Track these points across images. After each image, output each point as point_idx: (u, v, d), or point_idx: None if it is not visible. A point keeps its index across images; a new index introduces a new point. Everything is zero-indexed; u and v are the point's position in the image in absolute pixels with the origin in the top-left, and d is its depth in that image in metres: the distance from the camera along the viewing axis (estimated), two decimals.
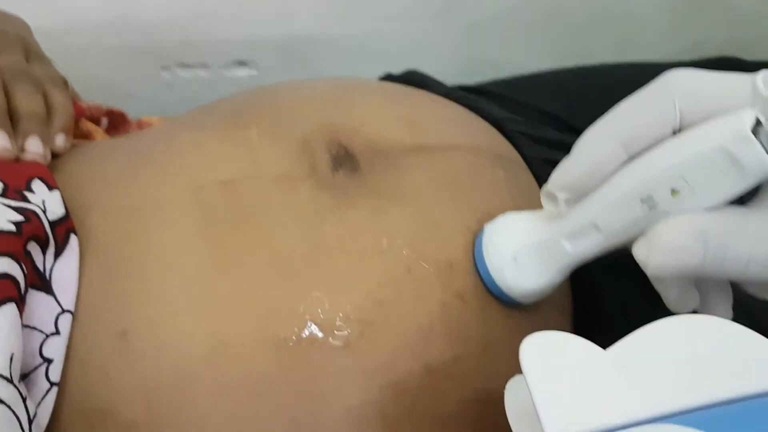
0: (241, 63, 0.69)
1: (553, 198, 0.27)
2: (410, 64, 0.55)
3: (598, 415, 0.21)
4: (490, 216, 0.33)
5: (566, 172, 0.26)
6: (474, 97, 0.45)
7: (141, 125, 0.51)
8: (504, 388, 0.30)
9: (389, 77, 0.51)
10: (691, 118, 0.24)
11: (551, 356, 0.22)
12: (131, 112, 0.52)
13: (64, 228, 0.30)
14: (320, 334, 0.28)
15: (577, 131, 0.46)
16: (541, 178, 0.38)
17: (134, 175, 0.33)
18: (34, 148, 0.33)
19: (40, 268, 0.29)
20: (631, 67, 0.57)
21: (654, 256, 0.23)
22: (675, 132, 0.25)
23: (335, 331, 0.28)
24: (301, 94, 0.38)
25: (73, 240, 0.30)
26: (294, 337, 0.28)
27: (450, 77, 0.58)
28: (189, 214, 0.31)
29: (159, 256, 0.30)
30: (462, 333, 0.30)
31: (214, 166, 0.33)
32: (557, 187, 0.27)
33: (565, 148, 0.41)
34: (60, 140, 0.35)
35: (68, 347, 0.29)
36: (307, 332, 0.28)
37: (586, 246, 0.27)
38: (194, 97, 0.69)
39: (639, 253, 0.24)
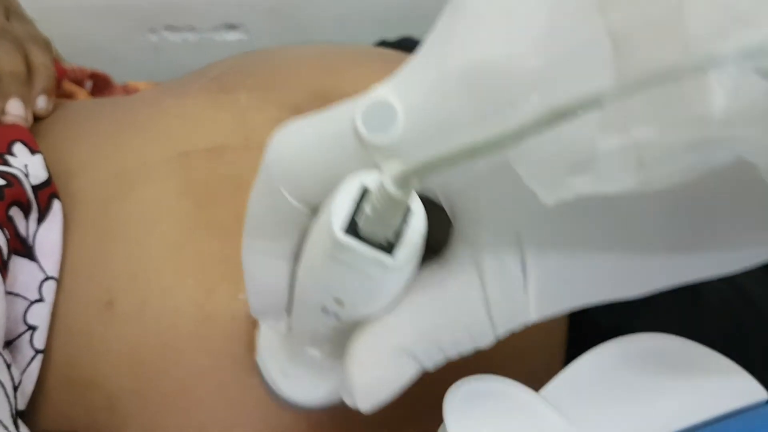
0: (230, 26, 0.67)
1: (266, 323, 0.24)
2: (404, 29, 0.54)
3: None
4: None
5: (252, 300, 0.22)
6: None
7: (127, 89, 0.49)
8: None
9: (384, 43, 0.51)
10: (311, 197, 0.18)
11: (478, 405, 0.20)
12: (117, 76, 0.51)
13: (47, 192, 0.29)
14: None
15: None
16: None
17: (119, 139, 0.32)
18: (15, 110, 0.32)
19: (23, 233, 0.28)
20: None
21: (362, 404, 0.19)
22: (314, 213, 0.19)
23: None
24: (291, 59, 0.37)
25: (56, 205, 0.30)
26: None
27: None
28: (174, 180, 0.30)
29: (143, 220, 0.29)
30: None
31: (200, 131, 0.32)
32: (255, 314, 0.23)
33: None
34: (41, 102, 0.34)
35: (53, 314, 0.28)
36: None
37: (326, 350, 0.23)
38: (182, 61, 0.68)
39: (347, 402, 0.20)
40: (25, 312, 0.27)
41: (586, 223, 0.17)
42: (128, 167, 0.31)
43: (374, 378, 0.19)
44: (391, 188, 0.15)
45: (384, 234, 0.17)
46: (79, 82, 0.44)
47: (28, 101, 0.33)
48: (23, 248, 0.28)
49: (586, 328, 0.36)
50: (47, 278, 0.28)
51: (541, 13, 0.15)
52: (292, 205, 0.18)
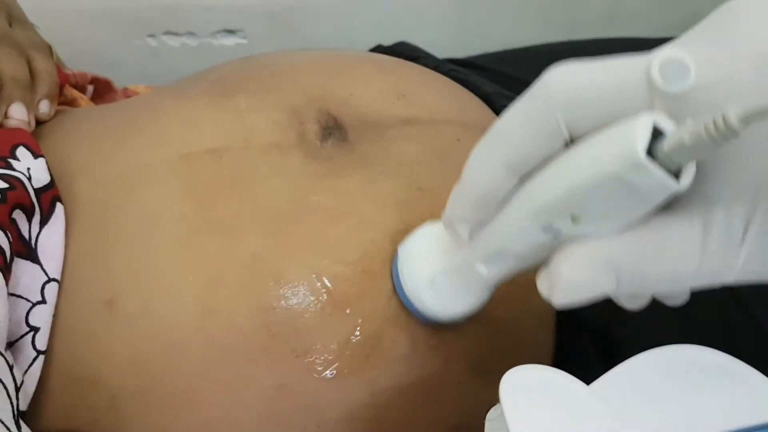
0: (229, 31, 0.68)
1: (452, 226, 0.25)
2: (401, 34, 0.55)
3: None
4: None
5: (458, 202, 0.24)
6: (464, 71, 0.45)
7: (127, 93, 0.50)
8: (489, 357, 0.30)
9: (380, 48, 0.51)
10: (582, 128, 0.20)
11: (532, 391, 0.21)
12: (117, 81, 0.51)
13: (49, 195, 0.30)
14: (308, 302, 0.28)
15: None
16: None
17: (120, 142, 0.33)
18: (18, 114, 0.33)
19: (26, 236, 0.29)
20: (621, 41, 0.57)
21: (556, 296, 0.21)
22: (568, 144, 0.21)
23: (322, 300, 0.28)
24: (290, 63, 0.38)
25: (59, 208, 0.30)
26: (282, 304, 0.28)
27: (441, 47, 0.57)
28: (175, 181, 0.30)
29: (145, 221, 0.30)
30: None
31: (200, 134, 0.32)
32: (453, 218, 0.24)
33: None
34: (44, 106, 0.35)
35: (55, 315, 0.29)
36: (294, 300, 0.28)
37: (501, 269, 0.25)
38: (181, 66, 0.68)
39: (541, 288, 0.22)
40: (28, 313, 0.28)
41: None
42: (129, 169, 0.31)
43: (578, 277, 0.20)
44: (735, 122, 0.17)
45: (678, 163, 0.19)
46: (80, 88, 0.44)
47: (30, 106, 0.34)
48: (26, 251, 0.29)
49: (575, 330, 0.36)
50: (49, 280, 0.29)
51: None
52: (560, 129, 0.20)
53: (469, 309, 0.27)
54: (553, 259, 0.21)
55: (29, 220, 0.29)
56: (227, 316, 0.28)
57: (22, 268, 0.28)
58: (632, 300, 0.23)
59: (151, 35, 0.66)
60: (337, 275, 0.29)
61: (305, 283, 0.28)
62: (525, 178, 0.22)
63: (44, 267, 0.29)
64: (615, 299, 0.22)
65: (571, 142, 0.21)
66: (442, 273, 0.27)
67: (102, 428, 0.28)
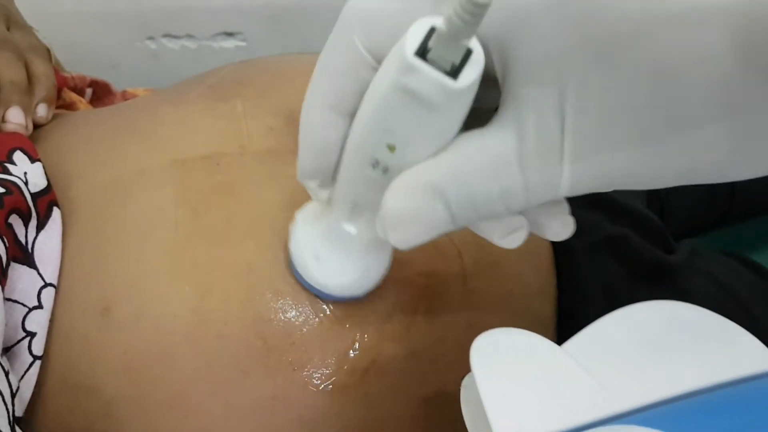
0: (229, 34, 0.68)
1: (308, 187, 0.24)
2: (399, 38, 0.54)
3: (550, 416, 0.19)
4: None
5: (301, 158, 0.23)
6: None
7: (126, 96, 0.50)
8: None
9: None
10: (384, 51, 0.19)
11: (503, 356, 0.20)
12: (116, 83, 0.51)
13: (46, 200, 0.30)
14: (306, 316, 0.28)
15: None
16: None
17: (117, 147, 0.33)
18: (15, 118, 0.33)
19: (22, 241, 0.29)
20: None
21: (392, 234, 0.20)
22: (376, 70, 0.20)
23: (319, 311, 0.28)
24: (288, 67, 0.38)
25: (56, 213, 0.30)
26: (280, 317, 0.28)
27: None
28: (170, 187, 0.30)
29: (140, 227, 0.29)
30: (444, 315, 0.30)
31: (197, 139, 0.32)
32: (302, 176, 0.23)
33: None
34: (42, 110, 0.35)
35: (51, 321, 0.28)
36: (292, 313, 0.28)
37: (364, 224, 0.24)
38: (180, 68, 0.68)
39: (379, 231, 0.21)
40: (24, 318, 0.28)
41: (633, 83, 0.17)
42: (125, 174, 0.31)
43: (405, 209, 0.19)
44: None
45: (450, 60, 0.17)
46: (79, 91, 0.44)
47: (28, 110, 0.34)
48: (22, 255, 0.28)
49: (578, 301, 0.36)
50: (46, 285, 0.28)
51: None
52: (362, 53, 0.20)
53: (356, 279, 0.26)
54: (382, 203, 0.20)
55: (26, 225, 0.29)
56: (221, 325, 0.27)
57: (18, 273, 0.28)
58: (512, 233, 0.21)
59: (151, 38, 0.66)
60: None
61: (302, 295, 0.28)
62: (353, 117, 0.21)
63: (41, 272, 0.29)
64: (498, 229, 0.21)
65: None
66: (319, 242, 0.26)
67: (99, 429, 0.27)
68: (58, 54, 0.47)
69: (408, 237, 0.19)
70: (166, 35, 0.66)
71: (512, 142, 0.18)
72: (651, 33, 0.16)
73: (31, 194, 0.29)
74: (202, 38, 0.67)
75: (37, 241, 0.29)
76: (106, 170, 0.32)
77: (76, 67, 0.51)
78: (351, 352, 0.28)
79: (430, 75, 0.17)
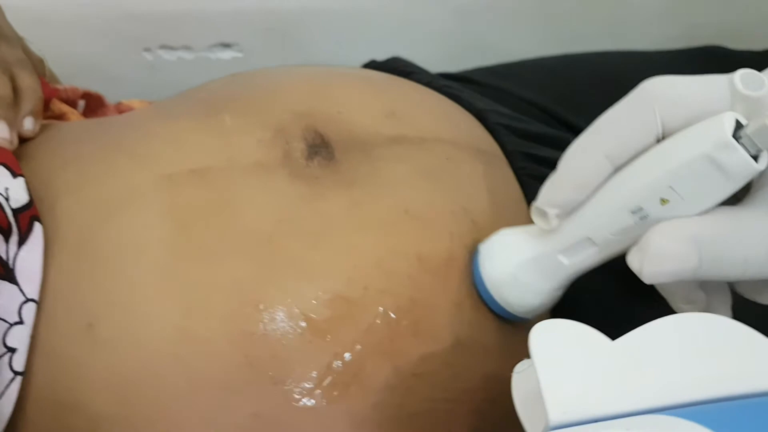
0: (225, 45, 0.68)
1: (543, 214, 0.27)
2: (397, 49, 0.54)
3: (600, 402, 0.22)
4: (465, 209, 0.32)
5: (554, 188, 0.26)
6: (457, 87, 0.44)
7: (121, 109, 0.50)
8: (475, 385, 0.30)
9: (373, 63, 0.51)
10: (673, 126, 0.24)
11: (559, 342, 0.23)
12: (113, 95, 0.51)
13: (27, 215, 0.30)
14: (287, 329, 0.28)
15: (562, 122, 0.46)
16: (521, 172, 0.37)
17: (105, 162, 0.33)
18: (0, 133, 0.33)
19: (3, 256, 0.28)
20: (618, 56, 0.57)
21: (647, 266, 0.23)
22: (658, 140, 0.25)
23: (301, 326, 0.28)
24: (277, 80, 0.37)
25: (37, 228, 0.30)
26: (261, 331, 0.28)
27: (438, 62, 0.57)
28: (158, 203, 0.30)
29: (126, 243, 0.29)
30: (431, 331, 0.29)
31: (185, 154, 0.32)
32: (547, 204, 0.26)
33: (547, 142, 0.41)
34: (28, 123, 0.35)
35: (34, 337, 0.28)
36: (273, 326, 0.28)
37: (583, 258, 0.27)
38: (177, 80, 0.68)
39: (633, 262, 0.24)
40: (5, 334, 0.27)
41: None
42: (113, 191, 0.31)
43: (667, 249, 0.23)
44: None
45: (755, 150, 0.22)
46: (71, 103, 0.44)
47: (13, 124, 0.33)
48: (3, 271, 0.28)
49: None
50: (27, 300, 0.28)
51: None
52: (657, 124, 0.24)
53: (543, 303, 0.29)
54: (645, 236, 0.24)
55: (6, 240, 0.29)
56: (205, 343, 0.27)
57: None
58: (691, 303, 0.26)
59: (147, 49, 0.65)
60: (318, 302, 0.28)
61: (284, 309, 0.28)
62: (618, 169, 0.25)
63: (22, 287, 0.28)
64: (684, 295, 0.26)
65: (662, 138, 0.25)
66: (524, 265, 0.28)
67: None
68: (54, 65, 0.47)
69: (659, 272, 0.23)
70: (162, 46, 0.66)
71: (765, 221, 0.23)
72: None
73: (12, 210, 0.29)
74: (198, 49, 0.67)
75: (18, 257, 0.29)
76: (95, 187, 0.31)
77: (72, 78, 0.51)
78: (333, 365, 0.28)
79: (742, 156, 0.22)
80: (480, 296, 0.30)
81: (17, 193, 0.30)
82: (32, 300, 0.28)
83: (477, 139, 0.38)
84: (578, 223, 0.26)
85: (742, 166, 0.23)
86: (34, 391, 0.28)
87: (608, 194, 0.25)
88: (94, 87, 0.49)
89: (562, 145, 0.41)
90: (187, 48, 0.66)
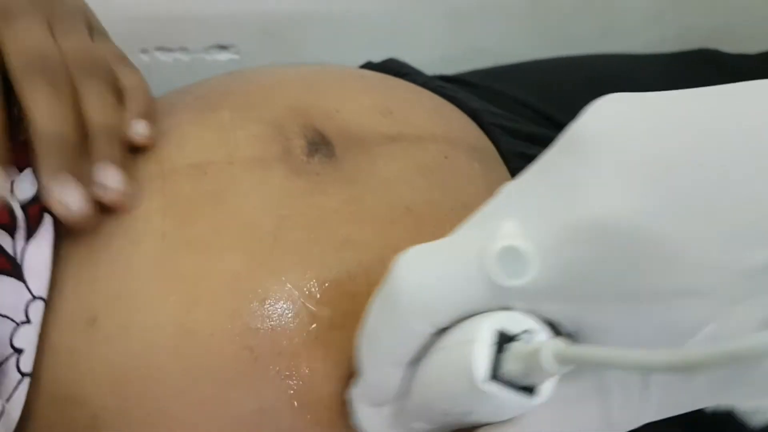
0: (222, 47, 0.68)
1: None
2: (393, 51, 0.55)
3: None
4: (464, 206, 0.32)
5: (360, 390, 0.26)
6: (453, 88, 0.45)
7: None
8: None
9: (369, 65, 0.51)
10: (442, 323, 0.21)
11: None
12: None
13: (37, 207, 0.29)
14: (290, 324, 0.28)
15: (556, 123, 0.47)
16: (516, 172, 0.38)
17: None
18: (114, 182, 0.28)
19: (10, 252, 0.28)
20: (612, 59, 0.58)
21: None
22: (439, 332, 0.22)
23: (305, 321, 0.28)
24: (276, 78, 0.38)
25: (47, 220, 0.29)
26: (263, 326, 0.28)
27: (433, 64, 0.58)
28: (158, 197, 0.30)
29: (127, 238, 0.29)
30: None
31: (185, 148, 0.32)
32: (361, 402, 0.26)
33: (542, 142, 0.41)
34: (139, 128, 0.30)
35: (44, 327, 0.28)
36: (276, 321, 0.28)
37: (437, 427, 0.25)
38: (174, 81, 0.68)
39: None
40: (12, 335, 0.27)
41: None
42: None
43: None
44: (549, 364, 0.17)
45: (524, 383, 0.19)
46: None
47: (80, 175, 0.28)
48: (11, 267, 0.28)
49: None
50: (34, 299, 0.28)
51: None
52: (417, 330, 0.21)
53: None
54: None
55: (12, 235, 0.28)
56: (207, 337, 0.27)
57: (4, 285, 0.28)
58: None
59: (144, 51, 0.66)
60: (323, 296, 0.28)
61: (289, 304, 0.28)
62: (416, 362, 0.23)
63: (29, 285, 0.28)
64: None
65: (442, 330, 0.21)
66: (388, 427, 0.26)
67: None
68: None
69: None
70: (159, 48, 0.66)
71: (596, 400, 0.21)
72: None
73: (20, 202, 0.29)
74: (195, 51, 0.67)
75: (26, 252, 0.29)
76: None
77: None
78: (338, 359, 0.28)
79: (505, 398, 0.19)
80: None
81: (23, 184, 0.29)
82: (40, 298, 0.28)
83: (473, 139, 0.38)
84: (407, 416, 0.24)
85: (511, 404, 0.19)
86: (38, 387, 0.28)
87: (414, 397, 0.23)
88: None
89: None
90: (183, 50, 0.66)
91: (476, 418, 0.21)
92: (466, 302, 0.20)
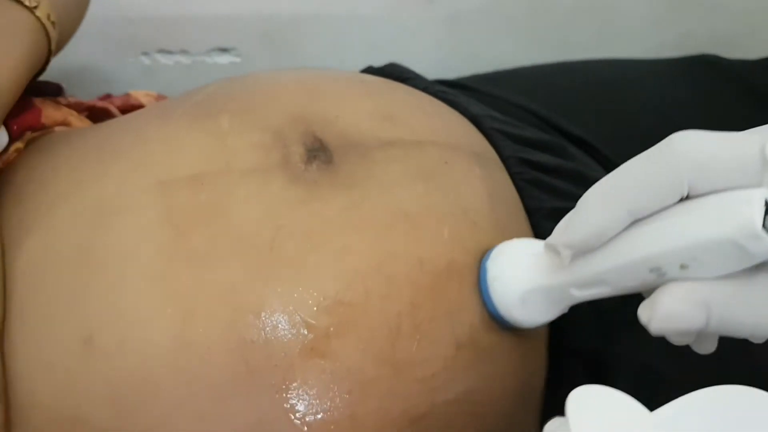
0: (223, 50, 0.68)
1: (556, 251, 0.27)
2: (394, 55, 0.55)
3: None
4: (464, 211, 0.32)
5: (570, 232, 0.26)
6: (453, 92, 0.45)
7: (129, 101, 0.49)
8: (475, 386, 0.30)
9: (370, 69, 0.51)
10: (699, 189, 0.24)
11: (597, 410, 0.23)
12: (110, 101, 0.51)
13: None
14: (287, 335, 0.28)
15: (556, 128, 0.47)
16: (517, 176, 0.38)
17: (100, 168, 0.32)
18: None
19: None
20: (612, 64, 0.58)
21: (655, 322, 0.24)
22: (682, 199, 0.25)
23: (303, 333, 0.28)
24: (275, 84, 0.37)
25: None
26: (260, 338, 0.28)
27: (433, 69, 0.58)
28: (154, 209, 0.30)
29: (122, 252, 0.29)
30: (432, 335, 0.29)
31: (181, 158, 0.32)
32: (561, 245, 0.26)
33: (543, 147, 0.42)
34: None
35: (34, 355, 0.28)
36: (272, 333, 0.28)
37: (594, 293, 0.28)
38: (174, 84, 0.68)
39: (642, 315, 0.25)
40: None
41: None
42: (108, 197, 0.31)
43: (676, 311, 0.24)
44: None
45: None
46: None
47: None
48: None
49: (564, 352, 0.36)
50: None
51: None
52: (683, 188, 0.24)
53: (550, 320, 0.30)
54: (656, 293, 0.24)
55: None
56: (204, 350, 0.27)
57: None
58: (703, 345, 0.27)
59: (145, 53, 0.66)
60: (319, 308, 0.28)
61: (285, 316, 0.28)
62: (637, 221, 0.25)
63: None
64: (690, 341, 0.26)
65: (686, 198, 0.24)
66: (534, 291, 0.29)
67: None
68: (51, 71, 0.47)
69: (665, 328, 0.24)
70: (160, 51, 0.66)
71: None
72: None
73: None
74: (196, 54, 0.67)
75: None
76: (89, 194, 0.31)
77: (70, 83, 0.51)
78: (335, 372, 0.28)
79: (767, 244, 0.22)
80: (485, 305, 0.31)
81: None
82: None
83: (473, 144, 0.38)
84: (594, 267, 0.26)
85: (765, 252, 0.23)
86: (38, 407, 0.28)
87: (628, 248, 0.25)
88: (91, 91, 0.49)
89: (556, 150, 0.42)
90: (184, 52, 0.67)
91: (683, 273, 0.24)
92: (738, 169, 0.23)
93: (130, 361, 0.27)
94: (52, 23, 0.34)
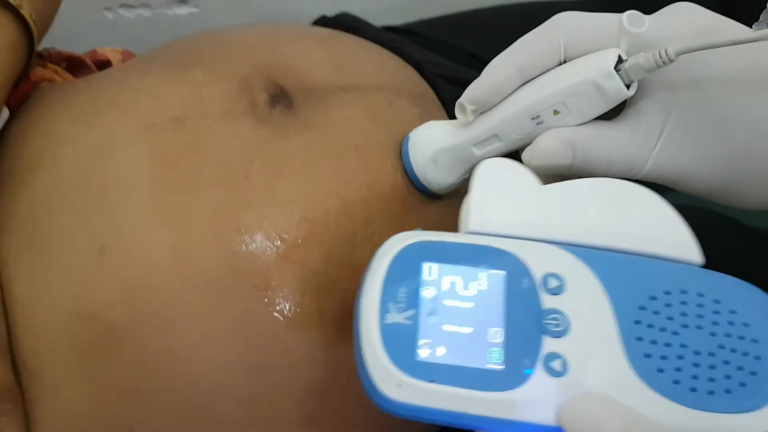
0: (182, 1, 0.70)
1: (463, 109, 0.33)
2: (345, 4, 0.58)
3: (511, 224, 0.29)
4: None
5: (475, 88, 0.32)
6: (399, 40, 0.50)
7: (95, 57, 0.52)
8: None
9: (323, 20, 0.55)
10: (574, 52, 0.31)
11: (499, 172, 0.30)
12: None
13: None
14: (264, 246, 0.34)
15: None
16: (453, 116, 0.43)
17: (95, 115, 0.37)
18: None
19: None
20: (555, 5, 0.62)
21: (534, 159, 0.31)
22: (561, 63, 0.31)
23: (275, 243, 0.34)
24: (239, 38, 0.43)
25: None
26: (243, 249, 0.34)
27: (383, 14, 0.61)
28: (144, 148, 0.35)
29: (122, 183, 0.34)
30: (380, 243, 0.35)
31: (164, 105, 0.37)
32: (467, 99, 0.32)
33: None
34: None
35: (50, 262, 0.33)
36: (252, 245, 0.34)
37: (490, 150, 0.33)
38: (137, 38, 0.71)
39: (524, 156, 0.31)
40: None
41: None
42: (104, 139, 0.36)
43: (550, 147, 0.30)
44: (672, 54, 0.28)
45: (628, 80, 0.29)
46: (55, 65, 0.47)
47: None
48: None
49: None
50: None
51: None
52: (559, 47, 0.30)
53: (455, 182, 0.36)
54: (536, 139, 0.31)
55: None
56: (197, 260, 0.33)
57: None
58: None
59: (108, 8, 0.68)
60: (289, 224, 0.34)
61: (261, 231, 0.34)
62: (525, 83, 0.31)
63: None
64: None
65: (563, 62, 0.31)
66: (443, 151, 0.35)
67: (103, 348, 0.33)
68: None
69: (542, 164, 0.30)
70: (122, 5, 0.69)
71: (627, 132, 0.30)
72: (728, 99, 0.29)
73: None
74: (156, 6, 0.70)
75: None
76: (88, 137, 0.36)
77: None
78: (305, 274, 0.34)
79: (618, 84, 0.29)
80: (405, 171, 0.37)
81: None
82: None
83: (414, 87, 0.44)
84: (489, 123, 0.32)
85: (617, 92, 0.29)
86: (59, 306, 0.33)
87: (515, 101, 0.31)
88: (55, 46, 0.51)
89: None
90: (145, 5, 0.69)
91: (556, 118, 0.31)
92: (601, 33, 0.30)
93: (138, 269, 0.33)
94: (34, 22, 0.38)
